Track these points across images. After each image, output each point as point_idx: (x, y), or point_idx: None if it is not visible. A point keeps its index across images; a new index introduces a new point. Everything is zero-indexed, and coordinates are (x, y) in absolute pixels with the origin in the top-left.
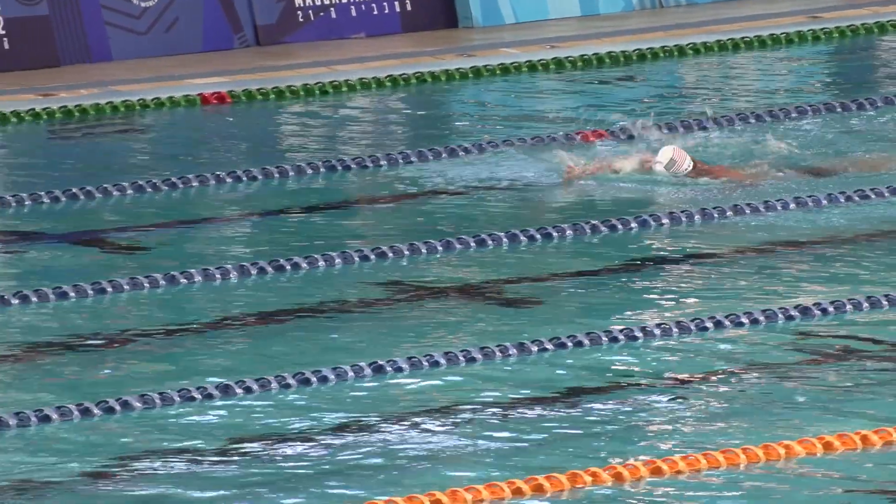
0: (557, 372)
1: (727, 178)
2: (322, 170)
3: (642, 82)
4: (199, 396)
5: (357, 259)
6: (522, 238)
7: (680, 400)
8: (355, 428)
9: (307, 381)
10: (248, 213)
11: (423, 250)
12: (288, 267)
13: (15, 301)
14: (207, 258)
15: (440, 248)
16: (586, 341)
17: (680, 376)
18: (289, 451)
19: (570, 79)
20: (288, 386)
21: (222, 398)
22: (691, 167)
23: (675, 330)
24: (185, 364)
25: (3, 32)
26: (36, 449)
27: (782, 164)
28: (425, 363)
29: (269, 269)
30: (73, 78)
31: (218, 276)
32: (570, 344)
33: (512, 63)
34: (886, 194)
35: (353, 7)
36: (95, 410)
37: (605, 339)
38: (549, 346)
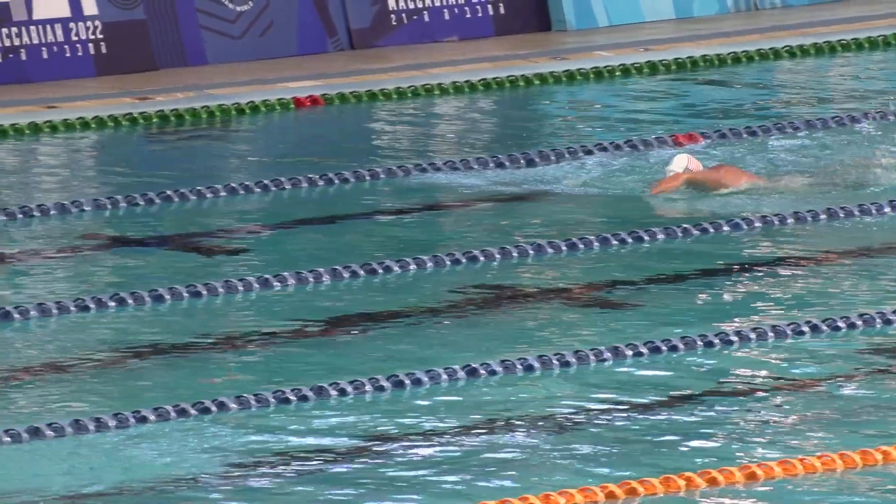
0: (652, 376)
1: (728, 180)
2: (413, 172)
3: (736, 85)
4: (294, 398)
5: (448, 262)
6: (613, 241)
7: (776, 404)
8: (448, 431)
9: (401, 384)
10: (339, 215)
11: (514, 253)
12: (380, 270)
13: (111, 304)
14: (300, 261)
15: (531, 252)
16: (681, 345)
17: (775, 380)
18: (376, 456)
19: (664, 82)
20: (382, 389)
21: (317, 401)
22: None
23: (770, 334)
24: (278, 366)
25: (101, 37)
26: (134, 449)
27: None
28: (519, 366)
29: (361, 272)
30: (168, 82)
31: (311, 279)
32: (664, 348)
33: (605, 66)
34: None
35: (446, 10)
36: (192, 411)
37: (699, 342)
38: (644, 350)
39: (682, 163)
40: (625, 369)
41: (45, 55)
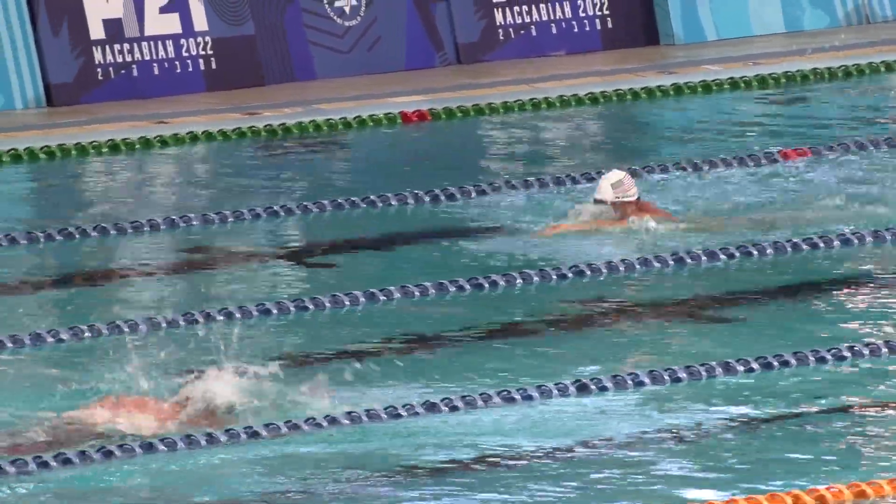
0: (762, 391)
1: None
2: (520, 187)
3: (848, 99)
4: (405, 414)
5: (555, 277)
6: (721, 256)
7: (888, 421)
8: (558, 444)
9: (512, 400)
10: (446, 230)
11: (621, 268)
12: (486, 285)
13: (220, 318)
14: (406, 276)
15: (638, 266)
16: (793, 360)
17: (887, 397)
18: (484, 473)
19: (774, 96)
20: (494, 404)
21: (426, 415)
22: (636, 198)
23: (883, 350)
24: (384, 381)
25: (211, 52)
26: (231, 468)
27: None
28: (629, 381)
29: (468, 286)
30: (277, 97)
31: (417, 293)
32: (776, 363)
33: (713, 80)
34: None
35: (553, 25)
36: (324, 423)
37: (811, 358)
38: (755, 366)
39: (619, 175)
40: (735, 384)
41: (156, 71)
